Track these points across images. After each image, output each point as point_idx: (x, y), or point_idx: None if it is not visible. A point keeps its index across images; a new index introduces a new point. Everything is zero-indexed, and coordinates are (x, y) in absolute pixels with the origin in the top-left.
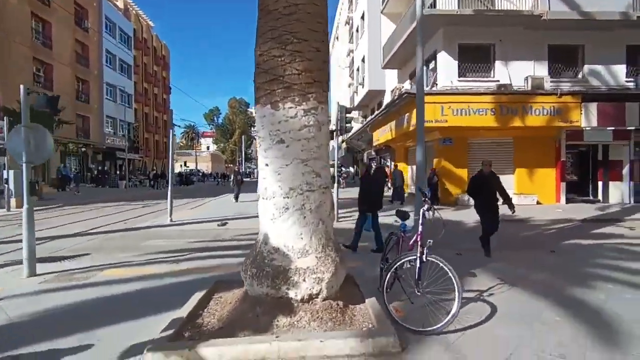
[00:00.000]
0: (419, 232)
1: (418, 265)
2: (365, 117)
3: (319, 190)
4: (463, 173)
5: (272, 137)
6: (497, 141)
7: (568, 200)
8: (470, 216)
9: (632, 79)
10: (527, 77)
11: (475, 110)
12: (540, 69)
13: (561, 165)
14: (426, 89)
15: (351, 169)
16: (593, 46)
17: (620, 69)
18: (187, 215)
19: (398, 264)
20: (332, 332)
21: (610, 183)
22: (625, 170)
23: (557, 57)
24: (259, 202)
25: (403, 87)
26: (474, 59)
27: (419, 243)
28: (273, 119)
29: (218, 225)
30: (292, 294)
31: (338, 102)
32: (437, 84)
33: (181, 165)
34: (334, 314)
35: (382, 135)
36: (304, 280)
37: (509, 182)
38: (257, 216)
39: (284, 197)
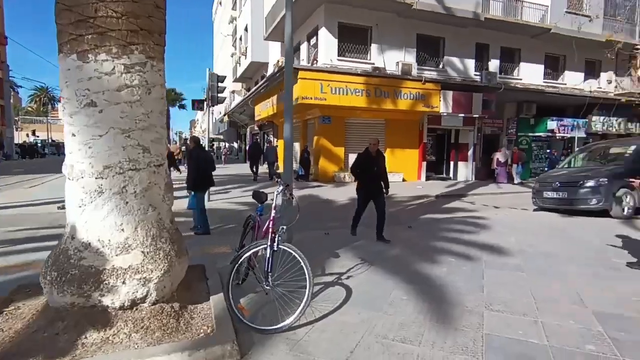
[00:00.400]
0: (272, 217)
1: (268, 254)
2: (248, 89)
3: (147, 169)
4: (340, 152)
5: (80, 99)
6: (371, 122)
7: (427, 178)
8: (345, 194)
9: (478, 73)
10: (398, 62)
11: (352, 91)
12: (409, 56)
13: (423, 146)
14: (307, 64)
15: (235, 145)
16: (451, 40)
17: (471, 64)
18: (21, 195)
19: (250, 252)
20: (153, 348)
21: (460, 163)
22: (470, 152)
23: (423, 46)
24: (65, 184)
25: None
26: (353, 39)
27: (271, 229)
28: (81, 74)
29: (58, 208)
30: (107, 301)
31: (208, 69)
32: (317, 61)
33: (28, 135)
34: (166, 320)
35: (264, 110)
36: (124, 282)
37: None
38: None
39: (96, 178)
